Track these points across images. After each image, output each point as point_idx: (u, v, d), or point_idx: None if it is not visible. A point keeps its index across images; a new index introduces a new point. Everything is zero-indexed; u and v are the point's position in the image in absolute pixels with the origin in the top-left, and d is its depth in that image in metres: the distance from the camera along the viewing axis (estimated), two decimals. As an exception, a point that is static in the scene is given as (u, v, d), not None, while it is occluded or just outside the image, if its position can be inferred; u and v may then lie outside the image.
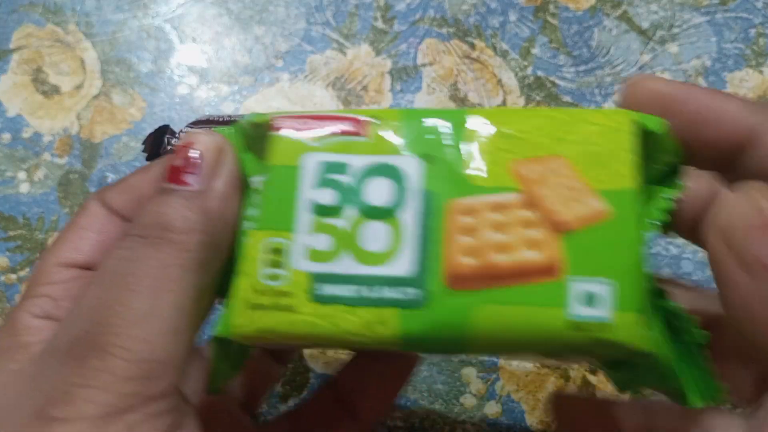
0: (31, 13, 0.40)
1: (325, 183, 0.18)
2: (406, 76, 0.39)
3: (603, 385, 0.33)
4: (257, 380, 0.28)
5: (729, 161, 0.18)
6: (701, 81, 0.38)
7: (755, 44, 0.38)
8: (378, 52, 0.39)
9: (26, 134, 0.38)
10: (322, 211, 0.18)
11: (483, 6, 0.39)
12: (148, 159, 0.27)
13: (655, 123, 0.18)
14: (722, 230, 0.16)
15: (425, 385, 0.34)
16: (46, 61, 0.39)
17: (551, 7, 0.39)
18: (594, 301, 0.17)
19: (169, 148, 0.27)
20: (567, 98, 0.38)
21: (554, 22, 0.39)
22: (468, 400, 0.34)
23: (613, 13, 0.39)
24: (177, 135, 0.27)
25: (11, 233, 0.36)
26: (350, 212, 0.18)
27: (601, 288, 0.17)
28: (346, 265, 0.17)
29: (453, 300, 0.17)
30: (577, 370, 0.34)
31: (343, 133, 0.18)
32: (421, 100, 0.38)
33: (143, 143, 0.28)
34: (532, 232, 0.17)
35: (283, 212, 0.18)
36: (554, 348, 0.17)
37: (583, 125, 0.18)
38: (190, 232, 0.18)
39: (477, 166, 0.18)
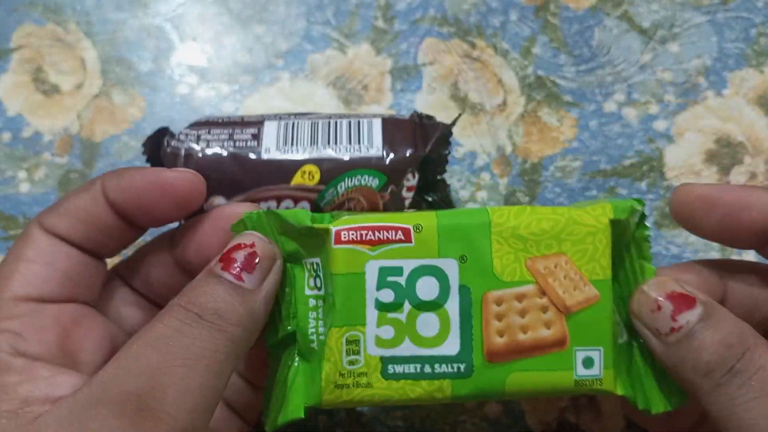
0: (31, 12, 0.40)
1: (385, 284, 0.23)
2: (406, 75, 0.38)
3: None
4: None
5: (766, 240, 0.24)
6: (702, 80, 0.38)
7: (756, 44, 0.38)
8: (378, 52, 0.39)
9: (26, 133, 0.38)
10: (385, 307, 0.23)
11: (483, 5, 0.39)
12: (147, 161, 0.28)
13: (625, 212, 0.24)
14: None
15: (425, 385, 0.34)
16: (47, 60, 0.39)
17: (552, 7, 0.39)
18: (591, 364, 0.23)
19: (168, 150, 0.27)
20: (568, 97, 0.38)
21: (555, 21, 0.39)
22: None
23: (614, 12, 0.39)
24: (176, 137, 0.27)
25: (11, 233, 0.36)
26: (406, 306, 0.23)
27: (594, 354, 0.23)
28: (408, 349, 0.23)
29: (491, 370, 0.23)
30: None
31: (393, 241, 0.23)
32: (421, 100, 0.38)
33: (143, 145, 0.28)
34: (546, 315, 0.23)
35: (356, 311, 0.23)
36: (566, 395, 0.25)
37: (576, 227, 0.23)
38: (238, 326, 0.21)
39: (501, 264, 0.23)
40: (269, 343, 0.24)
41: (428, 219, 0.23)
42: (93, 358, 0.23)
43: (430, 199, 0.31)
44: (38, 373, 0.21)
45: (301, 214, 0.23)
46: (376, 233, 0.23)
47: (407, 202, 0.29)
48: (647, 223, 0.25)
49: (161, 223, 0.24)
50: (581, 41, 0.39)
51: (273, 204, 0.27)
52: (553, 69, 0.38)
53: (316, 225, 0.23)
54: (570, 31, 0.39)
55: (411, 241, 0.23)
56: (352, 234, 0.23)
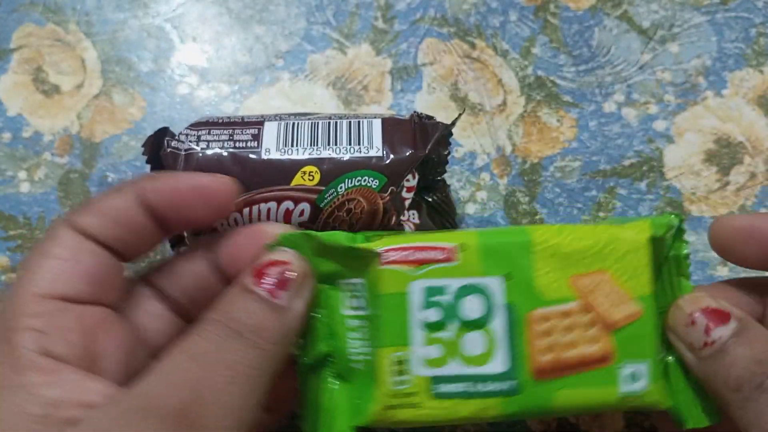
0: (32, 12, 0.40)
1: (430, 304, 0.23)
2: (406, 75, 0.38)
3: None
4: None
5: None
6: (701, 80, 0.38)
7: (756, 44, 0.38)
8: (378, 52, 0.39)
9: (26, 133, 0.38)
10: (431, 327, 0.22)
11: (483, 5, 0.39)
12: (147, 162, 0.28)
13: (663, 228, 0.24)
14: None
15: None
16: (47, 60, 0.39)
17: (552, 7, 0.39)
18: (636, 378, 0.23)
19: (168, 150, 0.27)
20: (567, 98, 0.38)
21: (555, 21, 0.39)
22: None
23: (614, 12, 0.39)
24: (177, 137, 0.27)
25: (11, 233, 0.36)
26: (452, 326, 0.22)
27: (640, 368, 0.23)
28: (455, 368, 0.22)
29: (539, 388, 0.23)
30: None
31: (437, 261, 0.23)
32: (421, 100, 0.38)
33: (143, 146, 0.28)
34: (591, 331, 0.23)
35: (401, 331, 0.23)
36: (608, 411, 0.24)
37: (617, 244, 0.24)
38: (275, 343, 0.21)
39: (545, 282, 0.23)
40: (300, 366, 0.24)
41: (471, 238, 0.23)
42: (113, 365, 0.22)
43: (430, 199, 0.31)
44: (67, 376, 0.20)
45: (337, 236, 0.24)
46: (421, 253, 0.23)
47: (407, 203, 0.29)
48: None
49: (194, 226, 0.24)
50: (581, 41, 0.39)
51: (273, 205, 0.27)
52: (553, 69, 0.38)
53: (361, 245, 0.23)
54: (570, 32, 0.39)
55: (455, 260, 0.23)
56: (398, 254, 0.23)
